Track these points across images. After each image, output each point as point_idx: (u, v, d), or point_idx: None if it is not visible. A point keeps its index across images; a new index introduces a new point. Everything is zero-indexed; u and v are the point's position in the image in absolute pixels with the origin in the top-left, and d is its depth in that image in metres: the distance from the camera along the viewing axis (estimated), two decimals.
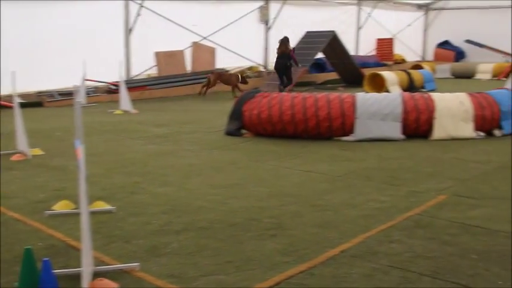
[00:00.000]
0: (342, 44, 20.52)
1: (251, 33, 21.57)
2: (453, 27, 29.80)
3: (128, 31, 17.86)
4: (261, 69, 22.06)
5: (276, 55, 17.22)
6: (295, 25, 21.24)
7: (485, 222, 5.18)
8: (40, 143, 9.04)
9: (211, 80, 17.53)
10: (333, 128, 9.50)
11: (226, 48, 20.22)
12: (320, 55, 21.29)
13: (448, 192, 6.22)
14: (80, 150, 3.94)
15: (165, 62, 18.75)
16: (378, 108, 9.51)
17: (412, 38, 30.09)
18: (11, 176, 7.05)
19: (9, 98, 10.01)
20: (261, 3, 21.88)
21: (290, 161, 7.95)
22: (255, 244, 4.63)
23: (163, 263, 4.23)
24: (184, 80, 18.92)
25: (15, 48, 14.47)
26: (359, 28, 26.89)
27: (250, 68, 21.43)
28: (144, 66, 18.39)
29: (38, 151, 8.49)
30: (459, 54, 29.74)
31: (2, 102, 11.56)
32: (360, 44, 26.97)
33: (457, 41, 29.87)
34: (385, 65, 26.25)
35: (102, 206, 5.62)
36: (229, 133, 10.12)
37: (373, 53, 27.80)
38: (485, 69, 24.84)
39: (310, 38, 19.96)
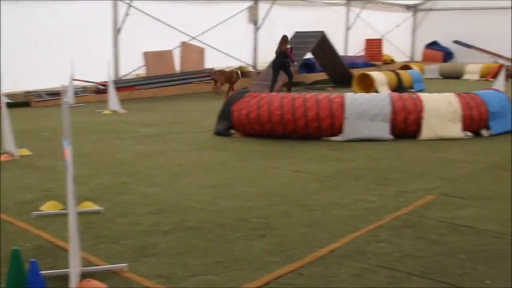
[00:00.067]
0: (331, 44, 20.55)
1: (240, 33, 21.57)
2: (441, 28, 29.96)
3: (117, 31, 17.80)
4: (250, 69, 22.05)
5: (275, 54, 17.31)
6: (284, 25, 21.22)
7: (473, 221, 5.21)
8: (27, 143, 8.98)
9: (216, 78, 17.64)
10: (322, 128, 9.51)
11: (215, 48, 20.19)
12: (309, 55, 21.31)
13: (436, 192, 6.25)
14: (68, 151, 3.92)
15: (153, 62, 18.70)
16: (366, 108, 9.54)
17: (400, 39, 30.21)
18: None
19: None
20: (250, 4, 21.87)
21: (279, 161, 7.95)
22: (244, 244, 4.62)
23: (152, 264, 4.21)
24: (173, 80, 18.89)
25: (2, 48, 14.38)
26: (348, 28, 26.96)
27: (239, 68, 21.41)
28: (132, 66, 18.32)
29: (25, 151, 8.43)
30: (447, 55, 29.90)
31: None
32: (348, 44, 27.04)
33: (445, 41, 30.03)
34: (374, 65, 26.33)
35: (90, 206, 5.59)
36: (218, 133, 10.10)
37: (362, 53, 27.88)
38: (473, 70, 24.99)
39: (299, 38, 19.97)
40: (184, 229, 5.01)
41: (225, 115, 10.09)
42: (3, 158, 8.00)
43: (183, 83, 18.96)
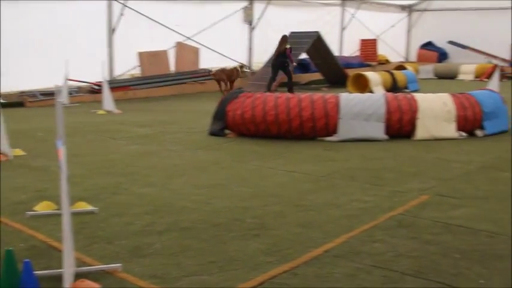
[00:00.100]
0: (326, 44, 20.58)
1: (235, 33, 21.57)
2: (436, 29, 30.03)
3: (111, 31, 17.77)
4: (245, 69, 22.04)
5: (275, 53, 17.35)
6: (279, 25, 21.24)
7: (467, 221, 5.22)
8: (22, 144, 8.95)
9: (219, 77, 17.88)
10: (317, 128, 9.51)
11: (210, 48, 20.18)
12: (304, 55, 21.33)
13: (431, 192, 6.26)
14: (62, 151, 3.90)
15: (148, 62, 18.69)
16: (361, 108, 9.55)
17: (395, 39, 30.27)
18: None
19: None
20: (245, 4, 21.87)
21: (273, 161, 7.95)
22: (238, 244, 4.62)
23: (146, 264, 4.21)
24: (168, 80, 18.88)
25: None
26: (343, 29, 27.00)
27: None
28: (127, 66, 18.31)
29: (19, 152, 8.41)
30: (442, 55, 29.97)
31: None
32: (343, 44, 27.08)
33: (440, 42, 30.11)
34: (368, 65, 26.37)
35: (84, 206, 5.58)
36: (212, 133, 10.10)
37: (357, 53, 27.94)
38: (467, 70, 25.07)
39: (294, 39, 19.96)
40: (178, 229, 5.00)
41: (220, 115, 10.09)
42: None
43: (178, 83, 18.96)
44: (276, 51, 17.36)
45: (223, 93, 17.64)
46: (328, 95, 9.95)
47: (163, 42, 18.99)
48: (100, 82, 14.98)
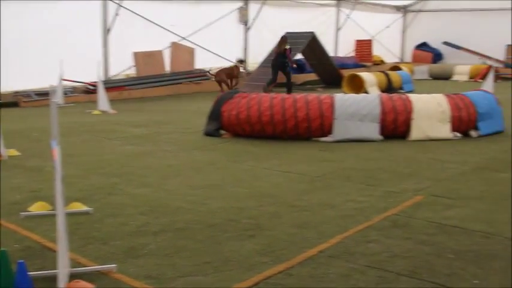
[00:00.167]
0: (321, 45, 20.60)
1: (230, 33, 21.56)
2: (431, 29, 30.09)
3: (106, 31, 17.74)
4: (241, 69, 22.04)
5: (274, 54, 17.38)
6: (274, 26, 21.28)
7: (461, 222, 5.24)
8: (16, 144, 8.92)
9: (220, 79, 18.07)
10: (312, 129, 9.52)
11: (206, 48, 20.17)
12: (299, 56, 21.34)
13: (425, 193, 6.27)
14: (56, 151, 3.90)
15: (143, 62, 18.67)
16: (356, 109, 9.56)
17: (390, 40, 30.32)
18: None
19: None
20: (241, 4, 21.87)
21: (269, 162, 7.96)
22: (233, 245, 4.62)
23: (141, 264, 4.20)
24: (163, 81, 18.87)
25: None
26: (338, 29, 27.02)
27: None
28: (122, 66, 18.27)
29: (14, 152, 8.38)
30: (437, 56, 30.03)
31: None
32: (338, 45, 27.10)
33: (435, 42, 30.16)
34: (363, 66, 26.40)
35: (79, 207, 5.57)
36: (208, 133, 10.09)
37: (352, 54, 27.97)
38: (462, 71, 25.15)
39: (290, 39, 19.92)
40: (173, 230, 5.00)
41: (215, 115, 10.09)
42: None
43: (173, 84, 18.94)
44: (275, 51, 17.36)
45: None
46: (323, 95, 9.96)
47: (158, 42, 18.98)
48: (95, 82, 14.95)
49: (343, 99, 9.82)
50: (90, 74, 15.42)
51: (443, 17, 29.77)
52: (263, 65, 19.55)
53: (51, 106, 4.01)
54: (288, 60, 17.18)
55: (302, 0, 24.30)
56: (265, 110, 9.53)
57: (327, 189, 6.44)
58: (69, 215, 4.96)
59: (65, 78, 15.07)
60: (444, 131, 9.73)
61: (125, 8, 17.87)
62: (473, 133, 9.96)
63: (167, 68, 19.53)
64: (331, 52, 23.95)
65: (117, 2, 17.75)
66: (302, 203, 5.86)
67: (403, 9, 31.59)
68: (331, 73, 21.25)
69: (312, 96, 9.84)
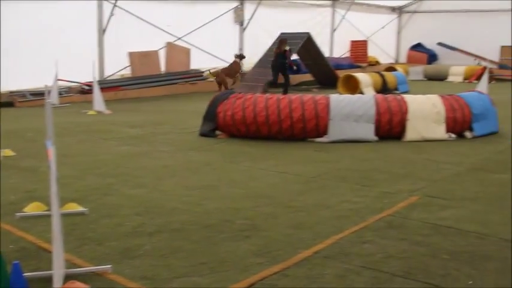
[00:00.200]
0: (317, 45, 20.61)
1: (226, 34, 21.56)
2: (426, 30, 30.17)
3: (102, 31, 17.71)
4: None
5: (274, 55, 17.40)
6: (270, 26, 21.29)
7: (456, 222, 5.25)
8: (11, 144, 8.91)
9: (220, 80, 18.43)
10: (307, 129, 9.54)
11: (201, 48, 20.17)
12: (295, 56, 21.33)
13: (420, 193, 6.29)
14: (51, 151, 3.90)
15: (139, 62, 18.65)
16: (351, 109, 9.58)
17: (385, 41, 30.37)
18: None
19: None
20: (236, 4, 21.87)
21: (264, 162, 7.96)
22: (229, 245, 4.62)
23: (136, 265, 4.20)
24: (159, 81, 18.85)
25: None
26: (333, 30, 27.05)
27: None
28: (118, 66, 18.25)
29: (9, 152, 8.36)
30: (432, 57, 30.10)
31: None
32: (334, 45, 27.13)
33: (430, 43, 30.24)
34: (359, 66, 26.44)
35: (74, 207, 5.56)
36: (203, 134, 10.09)
37: (347, 54, 28.00)
38: (457, 72, 25.21)
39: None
40: (169, 230, 5.00)
41: (211, 116, 10.09)
42: None
43: (169, 84, 18.93)
44: (275, 52, 17.38)
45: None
46: (318, 96, 9.98)
47: (154, 42, 18.96)
48: (90, 82, 14.93)
49: (338, 99, 9.83)
50: (86, 74, 15.39)
51: (438, 18, 29.85)
52: (258, 65, 19.55)
53: (46, 106, 4.01)
54: (287, 61, 17.21)
55: (298, 0, 24.31)
56: (261, 110, 9.54)
57: (323, 190, 6.45)
58: (65, 215, 4.95)
59: (60, 78, 15.04)
60: (439, 131, 9.75)
61: (120, 8, 17.84)
62: (468, 134, 9.98)
63: (163, 68, 19.51)
64: (326, 53, 23.99)
65: (112, 2, 17.72)
66: (297, 204, 5.87)
67: (398, 10, 31.66)
68: (326, 74, 21.27)
69: (307, 96, 9.85)
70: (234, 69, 18.86)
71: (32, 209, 5.54)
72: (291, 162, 7.97)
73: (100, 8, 17.65)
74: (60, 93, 15.54)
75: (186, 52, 20.03)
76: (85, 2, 16.97)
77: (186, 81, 19.47)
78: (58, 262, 3.63)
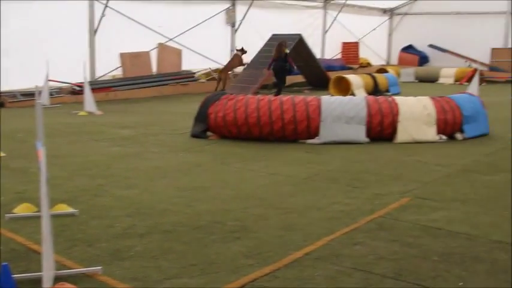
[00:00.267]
0: (308, 47, 20.63)
1: (217, 35, 21.54)
2: (417, 32, 30.26)
3: (93, 31, 17.64)
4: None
5: (274, 58, 17.40)
6: (261, 27, 21.29)
7: (446, 224, 5.27)
8: (1, 145, 8.85)
9: (222, 76, 18.80)
10: (298, 131, 9.54)
11: (193, 49, 20.14)
12: None
13: (411, 195, 6.30)
14: (42, 152, 3.88)
15: (130, 63, 18.59)
16: (342, 111, 9.59)
17: (377, 42, 30.44)
18: None
19: None
20: (228, 5, 21.86)
21: (255, 164, 7.96)
22: (220, 247, 4.62)
23: (127, 267, 4.19)
24: (150, 82, 18.79)
25: None
26: (325, 31, 27.08)
27: (216, 70, 21.37)
28: (109, 67, 18.19)
29: None
30: (423, 59, 30.19)
31: None
32: (325, 47, 27.15)
33: (421, 45, 30.32)
34: (350, 68, 26.47)
35: (64, 209, 5.53)
36: (194, 135, 10.07)
37: (339, 56, 28.04)
38: (448, 74, 25.29)
39: (276, 41, 19.97)
40: (159, 232, 4.98)
41: (202, 117, 10.07)
42: None
43: (160, 85, 18.88)
44: (275, 56, 17.38)
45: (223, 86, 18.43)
46: (310, 97, 9.98)
47: (145, 43, 18.91)
48: (81, 83, 14.86)
49: (329, 101, 9.84)
50: (77, 74, 15.31)
51: (429, 20, 29.95)
52: (250, 66, 19.54)
53: (36, 107, 3.99)
54: (288, 64, 17.25)
55: (289, 2, 24.33)
56: (252, 111, 9.54)
57: (314, 192, 6.45)
58: (55, 216, 4.92)
59: (51, 78, 14.98)
60: (430, 133, 9.78)
61: (112, 8, 17.78)
62: (458, 136, 10.02)
63: (154, 69, 19.47)
64: (318, 54, 24.01)
65: (103, 2, 17.66)
66: (288, 205, 5.86)
67: (390, 12, 31.75)
68: (318, 75, 21.29)
69: (298, 98, 9.85)
70: (235, 62, 18.98)
71: (22, 210, 5.51)
72: (282, 164, 7.97)
73: (91, 8, 17.58)
74: (51, 94, 15.46)
75: (178, 53, 20.00)
76: (76, 3, 16.90)
77: (178, 82, 19.44)
78: (48, 263, 3.61)
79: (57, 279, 3.84)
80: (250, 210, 5.66)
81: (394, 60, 31.39)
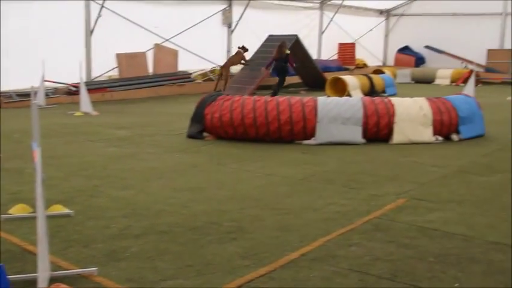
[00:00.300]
0: (305, 47, 20.64)
1: (214, 35, 21.52)
2: (413, 33, 30.29)
3: (89, 32, 17.61)
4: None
5: (274, 58, 17.42)
6: (258, 28, 21.30)
7: (442, 225, 5.27)
8: None
9: (223, 72, 18.88)
10: (295, 132, 9.54)
11: (189, 50, 20.12)
12: None
13: (407, 196, 6.31)
14: (37, 153, 3.87)
15: (126, 64, 18.56)
16: (339, 112, 9.59)
17: (373, 43, 30.46)
18: None
19: None
20: (224, 6, 21.85)
21: (251, 164, 7.96)
22: (216, 248, 4.61)
23: (123, 268, 4.18)
24: (146, 82, 18.77)
25: None
26: (321, 32, 27.10)
27: (213, 71, 21.38)
28: (105, 67, 18.14)
29: None
30: (419, 60, 30.23)
31: None
32: (322, 48, 27.16)
33: (417, 46, 30.35)
34: (346, 69, 26.49)
35: (60, 209, 5.52)
36: (191, 136, 10.07)
37: (335, 57, 28.06)
38: (444, 75, 25.34)
39: (273, 42, 19.98)
40: (155, 233, 4.98)
41: (198, 118, 10.06)
42: None
43: (156, 85, 18.86)
44: (275, 57, 17.41)
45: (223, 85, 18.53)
46: (306, 98, 9.98)
47: (141, 43, 18.87)
48: (77, 83, 14.84)
49: (326, 102, 9.85)
50: (73, 75, 15.28)
51: (425, 21, 29.99)
52: (246, 67, 19.53)
53: (32, 107, 3.98)
54: (288, 64, 17.31)
55: (286, 2, 24.33)
56: (248, 112, 9.53)
57: (310, 192, 6.45)
58: (50, 217, 4.91)
59: (47, 79, 14.94)
60: (426, 134, 9.79)
61: (108, 9, 17.75)
62: (454, 137, 10.03)
63: (150, 69, 19.44)
64: (314, 55, 24.02)
65: (99, 2, 17.63)
66: (284, 206, 5.86)
67: (386, 13, 31.78)
68: (314, 76, 21.30)
69: (295, 99, 9.85)
70: (237, 59, 19.04)
71: (17, 210, 5.50)
72: (278, 165, 7.97)
73: (87, 8, 17.55)
74: (46, 94, 15.44)
75: (174, 54, 19.97)
76: (72, 3, 16.86)
77: (174, 83, 19.42)
78: (43, 264, 3.60)
79: (53, 280, 3.83)
80: (246, 211, 5.66)
81: (391, 61, 31.42)
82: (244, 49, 19.59)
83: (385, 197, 6.24)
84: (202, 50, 20.52)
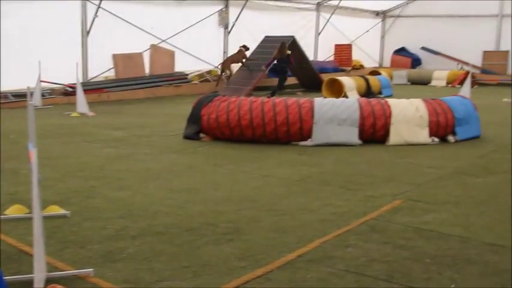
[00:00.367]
0: (301, 49, 20.66)
1: (210, 36, 21.52)
2: (409, 35, 30.34)
3: (86, 32, 17.59)
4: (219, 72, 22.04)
5: (275, 59, 17.46)
6: (254, 29, 21.31)
7: (438, 226, 5.28)
8: None
9: (225, 66, 19.03)
10: (291, 133, 9.54)
11: (185, 51, 20.12)
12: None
13: (404, 197, 6.31)
14: (33, 154, 3.86)
15: (123, 65, 18.55)
16: (335, 113, 9.60)
17: (369, 44, 30.50)
18: None
19: None
20: (221, 7, 21.85)
21: (248, 166, 7.96)
22: (212, 249, 4.61)
23: (119, 269, 4.17)
24: (143, 83, 18.76)
25: None
26: (318, 33, 27.12)
27: (209, 72, 21.38)
28: (101, 68, 18.12)
29: None
30: (415, 61, 30.27)
31: None
32: (318, 49, 27.20)
33: (413, 48, 30.41)
34: (343, 70, 26.52)
35: (56, 210, 5.51)
36: (187, 137, 10.06)
37: (332, 58, 28.08)
38: (440, 76, 25.40)
39: (269, 43, 20.03)
40: (152, 234, 4.97)
41: (195, 119, 10.06)
42: None
43: (153, 86, 18.85)
44: (276, 57, 17.43)
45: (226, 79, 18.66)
46: (302, 99, 9.98)
47: (138, 44, 18.86)
48: (74, 84, 14.81)
49: (322, 103, 9.85)
50: (69, 75, 15.25)
51: (421, 22, 30.05)
52: (243, 68, 19.54)
53: (28, 108, 3.98)
54: (289, 64, 17.34)
55: (282, 3, 24.35)
56: (245, 113, 9.53)
57: (306, 194, 6.45)
58: (46, 218, 4.90)
59: (43, 79, 14.92)
60: (422, 135, 9.81)
61: (104, 9, 17.73)
62: (450, 138, 10.05)
63: (147, 70, 19.43)
64: (310, 56, 24.05)
65: (96, 3, 17.61)
66: (281, 207, 5.86)
67: (382, 15, 31.84)
68: (310, 77, 21.32)
69: (291, 100, 9.85)
70: (239, 57, 19.08)
71: (13, 211, 5.49)
72: (274, 166, 7.97)
73: (84, 9, 17.52)
74: (43, 95, 15.41)
75: (171, 54, 19.97)
76: (68, 3, 16.83)
77: (170, 84, 19.42)
78: (39, 265, 3.60)
79: (49, 281, 3.82)
80: (242, 212, 5.66)
81: (387, 62, 31.47)
82: (246, 48, 19.63)
83: (381, 198, 6.25)
84: (199, 51, 20.53)
